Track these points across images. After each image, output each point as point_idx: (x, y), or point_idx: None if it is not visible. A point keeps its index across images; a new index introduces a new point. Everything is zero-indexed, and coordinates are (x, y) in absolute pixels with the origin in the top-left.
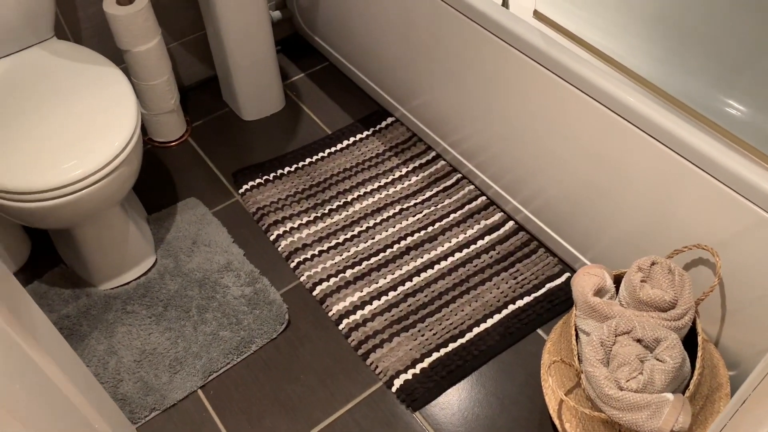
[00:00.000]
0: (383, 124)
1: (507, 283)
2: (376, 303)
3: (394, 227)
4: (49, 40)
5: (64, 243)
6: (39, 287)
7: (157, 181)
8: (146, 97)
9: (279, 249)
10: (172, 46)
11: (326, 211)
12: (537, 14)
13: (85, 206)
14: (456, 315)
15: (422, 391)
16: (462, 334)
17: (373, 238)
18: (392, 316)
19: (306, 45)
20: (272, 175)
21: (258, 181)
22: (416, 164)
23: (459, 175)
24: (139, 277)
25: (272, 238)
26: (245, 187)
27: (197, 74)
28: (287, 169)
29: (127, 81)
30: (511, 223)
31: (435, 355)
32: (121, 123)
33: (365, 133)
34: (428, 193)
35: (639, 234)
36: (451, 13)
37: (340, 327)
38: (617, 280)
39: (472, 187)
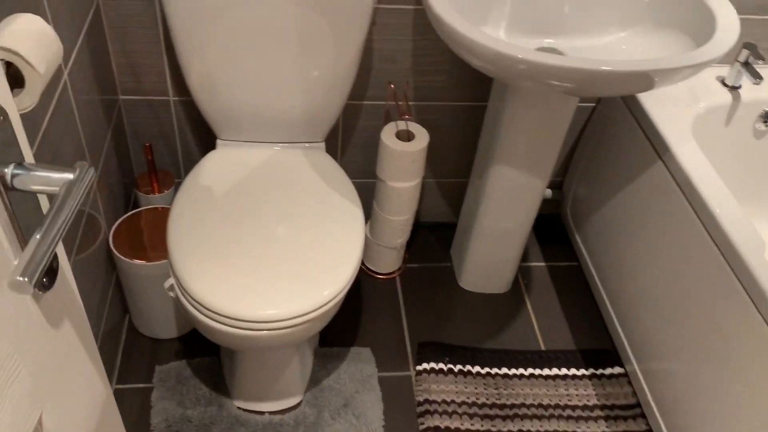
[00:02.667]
0: (607, 371)
1: None
2: None
3: None
4: (317, 144)
5: None
6: (184, 370)
7: (348, 309)
8: (378, 227)
9: None
10: (427, 181)
11: None
12: None
13: (263, 343)
14: None
15: None
16: None
17: None
18: None
19: (562, 233)
20: (459, 367)
21: (441, 366)
22: None
23: None
24: (275, 413)
25: None
26: (425, 366)
27: (437, 215)
28: (477, 368)
29: (362, 228)
30: None
31: None
32: (337, 273)
33: (582, 371)
34: None
35: None
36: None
37: None
38: None
39: None
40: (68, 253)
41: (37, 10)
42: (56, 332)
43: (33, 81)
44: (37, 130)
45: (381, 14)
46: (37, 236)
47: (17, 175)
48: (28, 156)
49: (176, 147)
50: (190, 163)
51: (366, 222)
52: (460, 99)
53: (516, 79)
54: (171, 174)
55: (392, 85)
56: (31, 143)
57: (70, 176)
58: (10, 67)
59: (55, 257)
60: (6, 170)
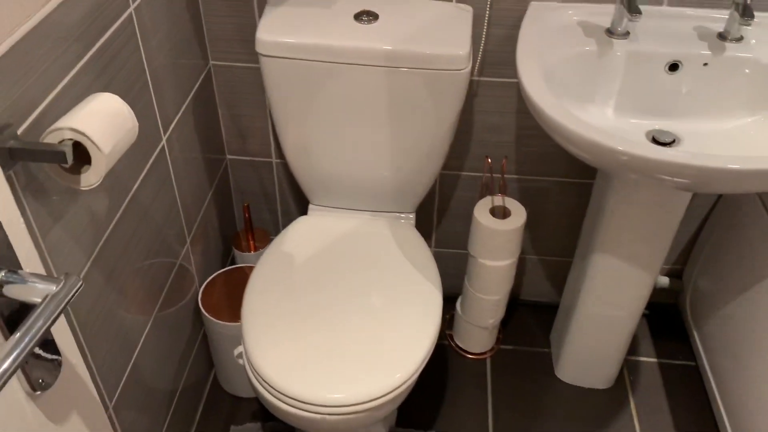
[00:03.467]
0: None
1: None
2: None
3: None
4: (407, 215)
5: None
6: None
7: (431, 387)
8: (468, 304)
9: None
10: (529, 257)
11: None
12: None
13: (328, 426)
14: None
15: None
16: None
17: None
18: None
19: (679, 327)
20: None
21: None
22: None
23: None
24: None
25: None
26: None
27: (538, 294)
28: None
29: (439, 312)
30: None
31: None
32: (408, 358)
33: None
34: None
35: None
36: None
37: None
38: None
39: None
40: (152, 305)
41: (138, 79)
42: (60, 428)
43: (98, 160)
44: (127, 192)
45: (484, 86)
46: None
47: (5, 282)
48: (31, 261)
49: (276, 206)
50: (288, 222)
51: (457, 297)
52: (565, 175)
53: (618, 171)
54: (267, 233)
55: (489, 159)
56: (118, 206)
57: (52, 288)
58: (79, 146)
59: (57, 354)
60: None
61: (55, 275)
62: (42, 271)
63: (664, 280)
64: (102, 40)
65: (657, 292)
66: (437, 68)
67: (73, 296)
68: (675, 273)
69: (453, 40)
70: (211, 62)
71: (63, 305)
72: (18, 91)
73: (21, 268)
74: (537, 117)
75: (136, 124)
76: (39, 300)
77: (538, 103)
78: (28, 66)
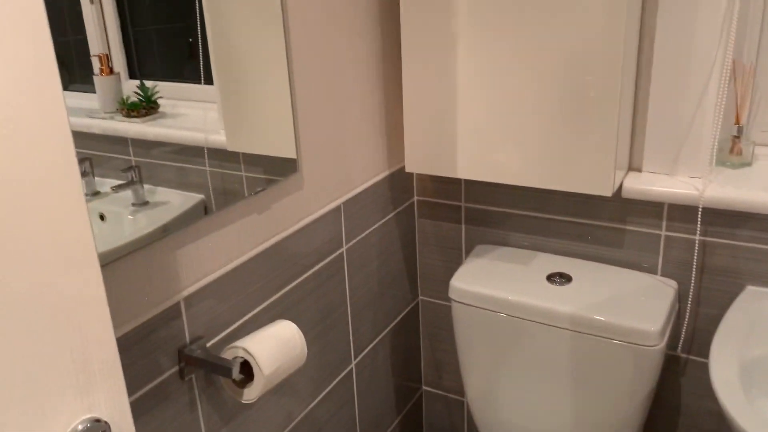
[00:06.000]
0: None
1: None
2: None
3: None
4: None
5: None
6: None
7: None
8: None
9: None
10: None
11: None
12: None
13: None
14: None
15: None
16: None
17: None
18: None
19: None
20: None
21: None
22: None
23: None
24: None
25: None
26: None
27: None
28: None
29: None
30: None
31: None
32: None
33: None
34: None
35: None
36: None
37: None
38: None
39: None
40: None
41: (338, 306)
42: None
43: (258, 379)
44: (304, 407)
45: (693, 366)
46: None
47: None
48: None
49: None
50: None
51: None
52: None
53: None
54: None
55: None
56: (291, 419)
57: None
58: (248, 363)
59: None
60: None
61: None
62: None
63: None
64: (311, 270)
65: None
66: (625, 341)
67: None
68: None
69: (646, 314)
70: (420, 297)
71: None
72: (222, 308)
73: None
74: (726, 417)
75: (305, 351)
76: None
77: (725, 402)
78: (240, 286)
